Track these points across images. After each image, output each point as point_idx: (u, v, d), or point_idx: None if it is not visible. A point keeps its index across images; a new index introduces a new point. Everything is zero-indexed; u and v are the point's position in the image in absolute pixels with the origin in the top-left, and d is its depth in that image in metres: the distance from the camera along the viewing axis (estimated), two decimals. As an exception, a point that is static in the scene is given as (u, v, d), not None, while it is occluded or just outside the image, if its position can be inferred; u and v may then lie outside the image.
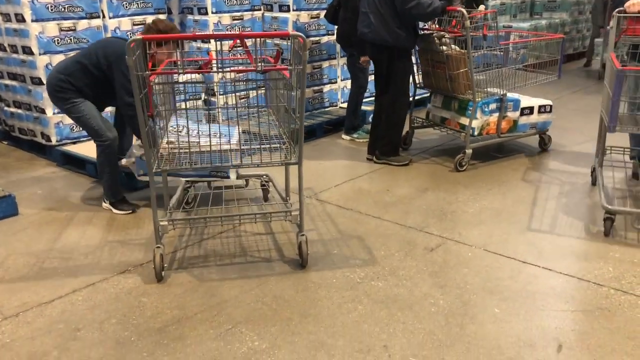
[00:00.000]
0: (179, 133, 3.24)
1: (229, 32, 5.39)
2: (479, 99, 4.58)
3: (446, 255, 3.30)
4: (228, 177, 3.80)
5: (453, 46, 4.70)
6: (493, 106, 4.69)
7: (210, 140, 3.02)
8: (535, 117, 4.93)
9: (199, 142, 3.06)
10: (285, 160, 3.11)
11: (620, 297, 2.84)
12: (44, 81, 4.81)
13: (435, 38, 4.70)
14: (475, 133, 4.66)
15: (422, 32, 4.80)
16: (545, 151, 5.13)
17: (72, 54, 4.84)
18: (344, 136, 5.66)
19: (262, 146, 3.15)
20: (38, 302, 2.87)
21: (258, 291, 2.95)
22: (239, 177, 3.96)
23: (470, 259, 3.25)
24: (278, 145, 3.23)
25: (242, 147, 3.10)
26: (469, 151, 4.65)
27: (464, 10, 4.41)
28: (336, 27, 5.50)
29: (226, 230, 3.65)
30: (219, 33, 5.10)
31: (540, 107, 4.91)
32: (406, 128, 5.10)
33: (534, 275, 3.07)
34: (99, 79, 3.77)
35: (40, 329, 2.65)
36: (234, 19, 5.61)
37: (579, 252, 3.31)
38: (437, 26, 4.77)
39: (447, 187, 4.34)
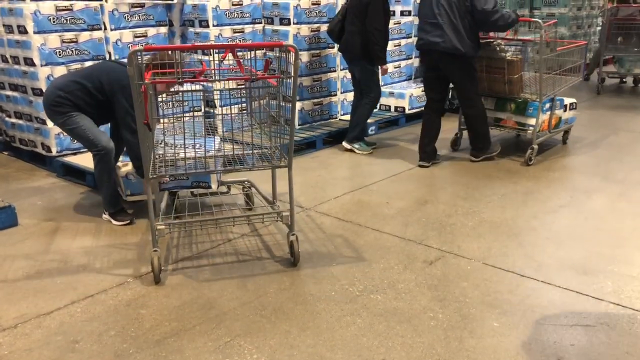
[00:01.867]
0: (170, 142, 3.34)
1: (225, 43, 5.41)
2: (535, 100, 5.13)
3: (445, 269, 3.30)
4: (210, 187, 3.87)
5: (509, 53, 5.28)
6: (547, 105, 5.27)
7: (205, 146, 3.09)
8: (567, 114, 5.68)
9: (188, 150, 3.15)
10: (274, 164, 3.19)
11: (620, 312, 2.83)
12: (45, 92, 4.83)
13: (497, 46, 5.16)
14: (537, 130, 5.15)
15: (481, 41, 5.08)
16: (565, 144, 5.75)
17: (73, 65, 4.88)
18: (345, 144, 5.66)
19: (252, 152, 3.25)
20: (37, 314, 2.87)
21: (257, 303, 2.94)
22: (220, 185, 4.02)
23: (470, 273, 3.25)
24: (266, 151, 3.34)
25: (230, 153, 3.18)
26: (535, 146, 5.12)
27: (540, 21, 5.02)
28: (338, 41, 5.56)
29: (220, 243, 3.65)
30: (213, 44, 5.12)
31: (570, 104, 5.69)
32: (455, 130, 5.66)
33: (532, 289, 3.07)
34: (101, 102, 3.80)
35: (39, 341, 2.65)
36: (234, 32, 5.65)
37: (577, 266, 3.31)
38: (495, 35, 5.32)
39: (447, 199, 4.34)
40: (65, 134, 4.94)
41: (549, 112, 5.31)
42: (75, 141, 4.98)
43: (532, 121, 5.14)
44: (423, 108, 5.39)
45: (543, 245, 3.59)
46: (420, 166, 5.14)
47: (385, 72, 5.51)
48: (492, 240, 3.64)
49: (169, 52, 3.30)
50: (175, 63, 2.92)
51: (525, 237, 3.69)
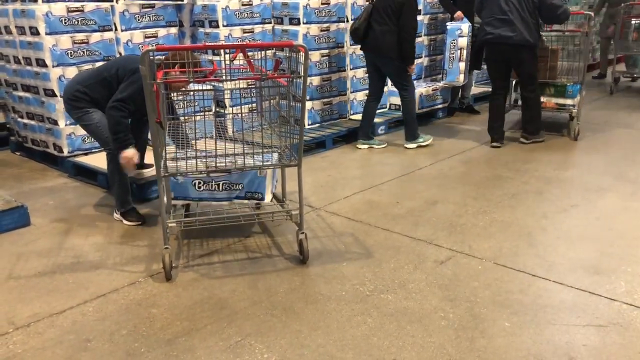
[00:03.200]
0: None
1: (235, 43, 5.42)
2: (571, 84, 5.93)
3: (456, 269, 3.29)
4: (263, 199, 3.59)
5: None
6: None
7: (216, 144, 3.10)
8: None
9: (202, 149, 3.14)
10: (283, 162, 3.19)
11: (633, 312, 2.81)
12: (57, 93, 4.87)
13: (544, 37, 5.88)
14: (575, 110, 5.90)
15: None
16: (575, 140, 5.89)
17: (85, 66, 4.92)
18: (410, 146, 5.70)
19: (262, 150, 3.25)
20: (49, 313, 2.89)
21: (268, 303, 2.95)
22: (278, 199, 3.76)
23: (480, 272, 3.24)
24: (277, 150, 3.35)
25: (245, 152, 3.19)
26: (580, 123, 5.92)
27: (591, 14, 6.08)
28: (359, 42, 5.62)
29: (231, 240, 3.66)
30: (224, 44, 5.13)
31: None
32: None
33: (544, 288, 3.05)
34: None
35: (51, 340, 2.67)
36: (244, 32, 5.66)
37: (589, 266, 3.29)
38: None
39: (457, 199, 4.33)
40: (76, 134, 4.99)
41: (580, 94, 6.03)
42: (87, 141, 5.03)
43: (571, 101, 5.94)
44: (491, 96, 5.84)
45: (554, 245, 3.56)
46: (494, 147, 5.63)
47: (412, 71, 5.59)
48: (503, 240, 3.63)
49: (182, 52, 3.34)
50: (187, 63, 2.94)
51: (536, 237, 3.67)
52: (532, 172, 4.90)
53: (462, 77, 6.42)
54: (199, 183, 3.46)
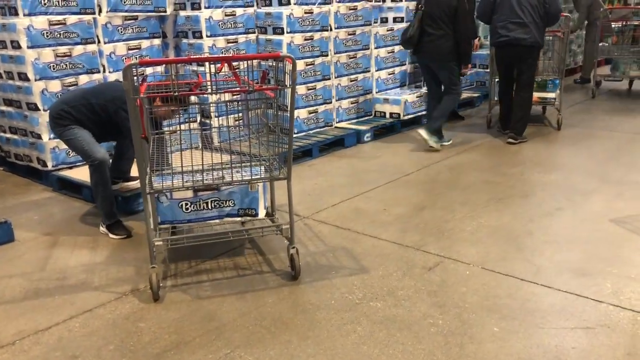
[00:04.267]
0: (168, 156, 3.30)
1: (221, 55, 5.43)
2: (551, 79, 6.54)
3: (444, 274, 3.29)
4: (257, 214, 3.54)
5: None
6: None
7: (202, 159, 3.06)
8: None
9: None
10: (272, 176, 3.17)
11: (620, 314, 2.83)
12: (40, 107, 4.83)
13: None
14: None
15: None
16: (559, 130, 6.39)
17: (67, 79, 4.89)
18: (422, 133, 5.79)
19: (250, 164, 3.21)
20: (35, 330, 2.85)
21: (256, 314, 2.93)
22: (268, 213, 3.68)
23: (469, 278, 3.24)
24: (265, 163, 3.31)
25: (232, 165, 3.16)
26: (561, 114, 6.52)
27: (570, 15, 6.76)
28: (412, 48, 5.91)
29: (220, 256, 3.64)
30: (209, 56, 5.15)
31: None
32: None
33: (532, 292, 3.07)
34: (103, 122, 3.90)
35: (37, 357, 2.63)
36: (228, 42, 5.66)
37: (576, 268, 3.31)
38: None
39: (444, 205, 4.34)
40: (60, 147, 4.95)
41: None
42: (71, 155, 4.99)
43: (552, 95, 6.54)
44: (501, 93, 6.28)
45: (541, 248, 3.59)
46: (506, 134, 6.03)
47: (467, 71, 6.01)
48: (491, 245, 3.64)
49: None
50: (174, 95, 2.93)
51: (523, 241, 3.69)
52: (518, 176, 4.94)
53: None
54: (187, 204, 3.38)
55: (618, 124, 6.63)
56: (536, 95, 6.41)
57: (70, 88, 4.87)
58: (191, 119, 5.10)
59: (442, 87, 5.93)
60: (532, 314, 2.86)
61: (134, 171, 4.12)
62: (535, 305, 2.94)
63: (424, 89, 6.77)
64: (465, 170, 5.16)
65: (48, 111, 3.98)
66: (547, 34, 6.46)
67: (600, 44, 8.49)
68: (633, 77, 8.61)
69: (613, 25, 8.45)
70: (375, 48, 6.65)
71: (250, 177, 3.21)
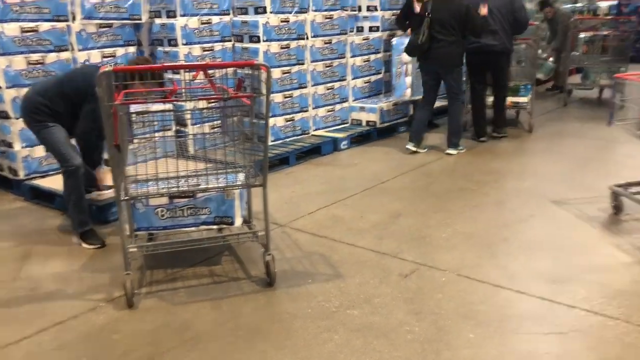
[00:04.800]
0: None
1: (196, 63, 5.40)
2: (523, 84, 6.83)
3: (420, 281, 3.31)
4: (233, 223, 3.49)
5: None
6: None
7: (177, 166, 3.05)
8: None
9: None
10: (248, 183, 3.17)
11: (592, 319, 2.88)
12: (12, 115, 4.74)
13: None
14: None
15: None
16: (530, 132, 6.61)
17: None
18: (450, 152, 5.92)
19: (225, 171, 3.20)
20: (4, 344, 2.79)
21: (233, 324, 2.91)
22: (245, 220, 3.64)
23: (444, 284, 3.27)
24: (241, 170, 3.31)
25: (208, 172, 3.14)
26: (533, 119, 6.80)
27: (539, 24, 7.34)
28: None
29: (196, 263, 3.61)
30: (184, 64, 5.13)
31: None
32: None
33: (506, 298, 3.10)
34: (75, 108, 3.78)
35: (7, 371, 2.57)
36: (204, 50, 5.64)
37: (549, 274, 3.36)
38: None
39: (420, 212, 4.38)
40: (32, 156, 4.86)
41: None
42: (44, 163, 4.90)
43: (524, 99, 6.82)
44: (473, 98, 6.48)
45: (515, 254, 3.63)
46: (481, 141, 6.33)
47: None
48: (466, 251, 3.68)
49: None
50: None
51: (497, 247, 3.74)
52: (492, 184, 5.00)
53: (409, 91, 6.48)
54: (162, 211, 3.35)
55: (589, 131, 6.76)
56: (509, 99, 6.73)
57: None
58: (166, 127, 5.06)
59: (447, 95, 6.02)
60: (506, 320, 2.89)
61: (109, 180, 4.07)
62: (510, 311, 2.97)
63: (391, 98, 6.74)
64: (440, 178, 5.21)
65: (22, 103, 3.85)
66: (519, 41, 6.70)
67: (572, 54, 8.65)
68: (603, 85, 8.79)
69: (583, 35, 8.62)
70: (352, 57, 6.68)
71: (225, 184, 3.21)
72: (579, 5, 11.10)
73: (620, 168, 5.24)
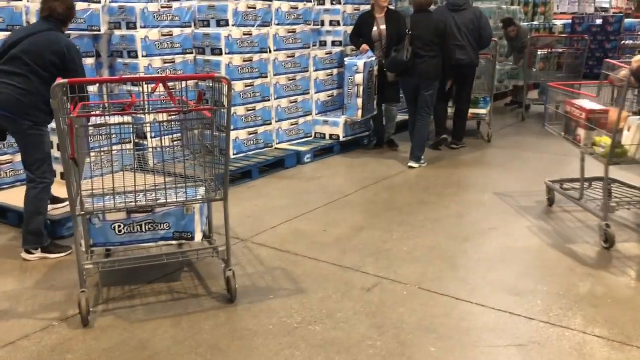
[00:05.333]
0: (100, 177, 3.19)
1: (155, 75, 5.32)
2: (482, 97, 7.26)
3: (382, 295, 3.31)
4: (193, 238, 3.42)
5: None
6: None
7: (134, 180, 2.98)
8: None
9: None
10: (208, 196, 3.12)
11: (549, 330, 2.93)
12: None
13: None
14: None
15: None
16: (489, 142, 6.22)
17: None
18: (412, 164, 6.02)
19: (185, 185, 3.15)
20: (-50, 366, 2.66)
21: (192, 341, 2.84)
22: (205, 235, 3.57)
23: (406, 298, 3.28)
24: (201, 184, 3.26)
25: (167, 186, 3.08)
26: (491, 128, 7.25)
27: (496, 40, 7.36)
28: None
29: (154, 279, 3.53)
30: (143, 76, 5.04)
31: None
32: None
33: (467, 311, 3.13)
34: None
35: (-49, 396, 2.45)
36: (165, 62, 5.57)
37: (508, 286, 3.41)
38: None
39: (382, 225, 4.39)
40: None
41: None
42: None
43: (483, 111, 7.26)
44: (436, 105, 6.40)
45: (475, 267, 3.68)
46: (437, 149, 6.64)
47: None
48: (427, 264, 3.70)
49: None
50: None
51: (458, 260, 3.77)
52: (453, 196, 5.07)
53: (360, 112, 6.29)
54: (119, 226, 3.26)
55: (546, 145, 6.93)
56: (470, 111, 7.08)
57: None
58: (124, 140, 4.96)
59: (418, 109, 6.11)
60: (467, 332, 2.91)
61: (62, 193, 3.95)
62: (470, 324, 2.99)
63: (342, 116, 6.61)
64: (402, 191, 5.25)
65: (19, 102, 3.56)
66: (479, 56, 6.92)
67: (531, 70, 8.89)
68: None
69: (540, 52, 8.88)
70: (315, 70, 6.71)
71: (185, 199, 3.15)
72: (535, 22, 11.45)
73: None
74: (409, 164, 6.00)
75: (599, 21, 12.87)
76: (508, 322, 3.01)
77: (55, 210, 4.15)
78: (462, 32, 6.40)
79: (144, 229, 3.29)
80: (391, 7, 6.88)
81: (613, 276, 3.52)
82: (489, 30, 6.60)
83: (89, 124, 3.35)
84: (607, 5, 17.19)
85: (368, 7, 6.81)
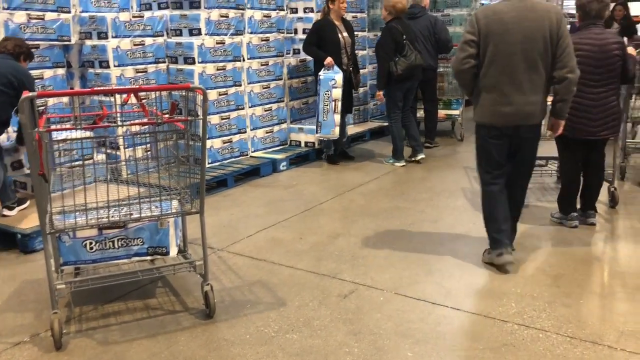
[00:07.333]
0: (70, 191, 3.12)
1: (128, 87, 5.27)
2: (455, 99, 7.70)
3: (359, 301, 3.32)
4: (168, 253, 3.35)
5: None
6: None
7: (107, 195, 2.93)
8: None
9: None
10: (184, 210, 3.08)
11: (524, 332, 2.97)
12: None
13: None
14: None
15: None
16: (461, 141, 5.66)
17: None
18: (400, 164, 6.35)
19: (159, 198, 3.10)
20: None
21: (168, 354, 2.82)
22: (180, 249, 3.50)
23: (383, 304, 3.29)
24: (176, 196, 3.21)
25: (140, 200, 3.03)
26: (463, 128, 7.63)
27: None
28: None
29: (129, 296, 3.49)
30: (115, 88, 5.00)
31: None
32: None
33: (443, 315, 3.15)
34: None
35: None
36: (137, 72, 5.53)
37: (483, 290, 3.45)
38: None
39: (358, 231, 4.41)
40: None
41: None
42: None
43: (456, 112, 7.68)
44: (403, 114, 6.45)
45: (451, 271, 3.71)
46: (413, 161, 6.53)
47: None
48: (403, 270, 3.73)
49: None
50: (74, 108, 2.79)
51: (434, 265, 3.81)
52: (427, 202, 5.11)
53: (337, 130, 6.14)
54: (91, 243, 3.17)
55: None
56: (443, 112, 7.56)
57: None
58: (86, 156, 4.88)
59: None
60: (443, 337, 2.94)
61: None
62: (447, 328, 3.02)
63: (316, 135, 6.44)
64: (377, 197, 5.28)
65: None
66: (449, 62, 7.25)
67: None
68: None
69: None
70: (289, 79, 6.73)
71: (160, 213, 3.10)
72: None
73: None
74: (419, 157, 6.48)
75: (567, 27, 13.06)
76: (483, 325, 3.05)
77: (25, 224, 4.08)
78: (418, 37, 6.62)
79: (116, 246, 3.21)
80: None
81: (585, 277, 3.59)
82: (445, 35, 6.81)
83: (53, 139, 3.27)
84: (574, 12, 17.47)
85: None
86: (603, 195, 4.69)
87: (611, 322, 3.05)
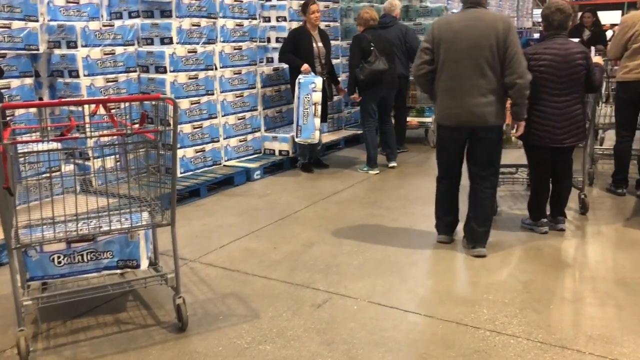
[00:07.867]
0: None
1: (97, 97, 5.20)
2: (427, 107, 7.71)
3: (333, 311, 3.32)
4: (139, 266, 3.28)
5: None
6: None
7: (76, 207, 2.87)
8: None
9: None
10: (155, 222, 3.04)
11: (495, 338, 2.99)
12: None
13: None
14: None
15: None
16: (433, 147, 6.20)
17: None
18: (374, 172, 6.38)
19: (130, 209, 3.06)
20: None
21: (138, 368, 2.77)
22: (151, 262, 3.43)
23: (356, 313, 3.29)
24: (147, 207, 3.17)
25: (110, 212, 2.98)
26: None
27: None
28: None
29: (98, 308, 3.42)
30: (83, 99, 4.93)
31: None
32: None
33: (415, 323, 3.17)
34: None
35: None
36: (107, 81, 5.46)
37: (456, 296, 3.47)
38: None
39: (332, 240, 4.41)
40: None
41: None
42: None
43: (429, 119, 7.69)
44: (380, 123, 6.60)
45: (424, 278, 3.73)
46: (392, 167, 6.63)
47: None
48: (377, 278, 3.73)
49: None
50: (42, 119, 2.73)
51: (407, 272, 3.82)
52: (401, 210, 5.14)
53: (317, 133, 6.15)
54: (59, 257, 3.08)
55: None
56: (416, 120, 7.79)
57: None
58: (53, 168, 4.80)
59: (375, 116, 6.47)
60: (415, 344, 2.95)
61: None
62: (419, 336, 3.03)
63: (296, 139, 6.39)
64: (350, 205, 5.29)
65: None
66: None
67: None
68: None
69: None
70: (262, 87, 6.72)
71: (130, 225, 3.04)
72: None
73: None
74: (390, 164, 6.63)
75: (536, 35, 13.35)
76: (456, 332, 3.06)
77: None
78: (390, 47, 6.67)
79: (86, 259, 3.13)
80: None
81: (555, 282, 3.64)
82: (416, 44, 6.88)
83: (19, 152, 3.20)
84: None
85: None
86: (574, 202, 4.79)
87: (580, 327, 3.09)
